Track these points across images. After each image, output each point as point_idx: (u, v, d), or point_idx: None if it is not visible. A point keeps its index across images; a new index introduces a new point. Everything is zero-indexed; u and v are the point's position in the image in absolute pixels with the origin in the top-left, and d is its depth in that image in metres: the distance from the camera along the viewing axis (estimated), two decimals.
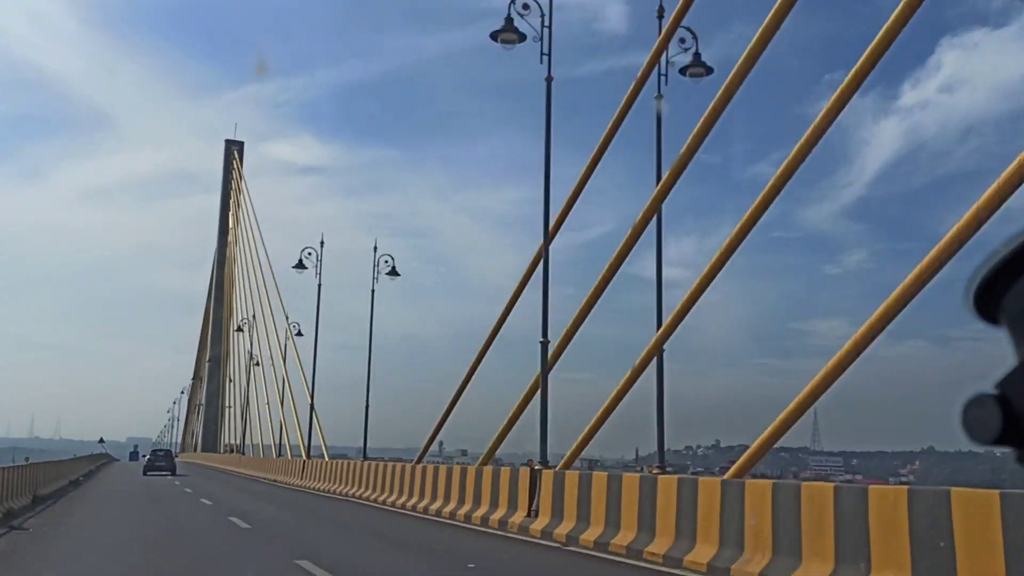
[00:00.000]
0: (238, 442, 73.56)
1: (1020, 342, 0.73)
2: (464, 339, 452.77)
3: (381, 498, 20.56)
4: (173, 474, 41.95)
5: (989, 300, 0.75)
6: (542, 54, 16.38)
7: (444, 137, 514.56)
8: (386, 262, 27.99)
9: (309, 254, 33.96)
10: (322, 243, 35.93)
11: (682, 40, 16.02)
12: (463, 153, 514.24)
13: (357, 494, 23.64)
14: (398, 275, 27.99)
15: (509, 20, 16.02)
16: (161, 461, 44.19)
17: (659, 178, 15.64)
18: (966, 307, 0.75)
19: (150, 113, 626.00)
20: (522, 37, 16.10)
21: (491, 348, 20.04)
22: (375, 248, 29.04)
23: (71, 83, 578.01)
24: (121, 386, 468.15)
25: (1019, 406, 0.71)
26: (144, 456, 50.63)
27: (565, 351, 16.77)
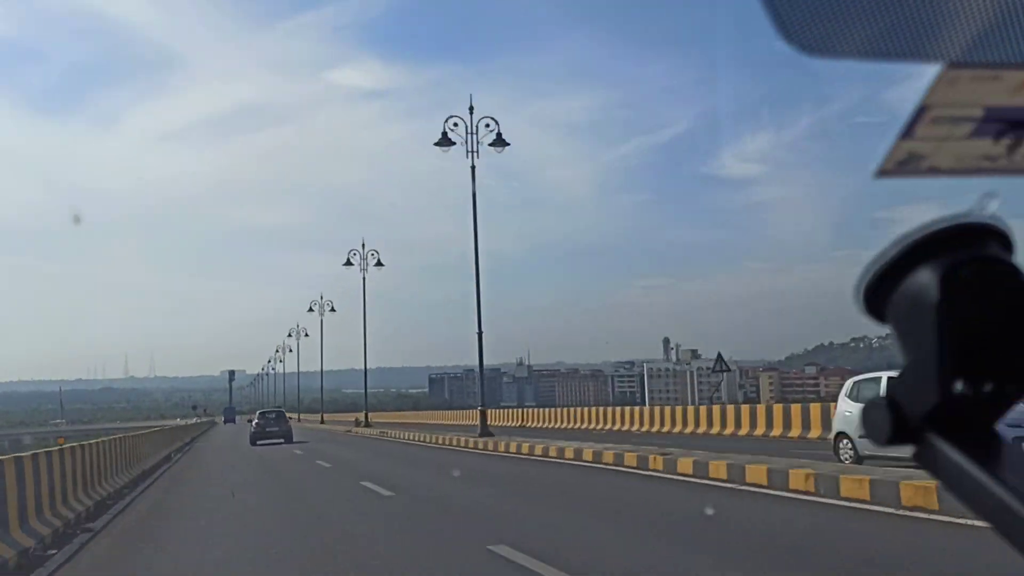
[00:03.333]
0: None
1: (905, 344, 0.76)
2: (540, 252, 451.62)
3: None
4: (288, 441, 34.71)
5: (878, 300, 0.78)
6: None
7: (510, 46, 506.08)
8: (488, 127, 27.29)
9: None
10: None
11: None
12: (530, 62, 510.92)
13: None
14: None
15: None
16: (273, 425, 36.40)
17: None
18: (855, 305, 0.79)
19: (213, 48, 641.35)
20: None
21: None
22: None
23: (134, 26, 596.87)
24: (211, 323, 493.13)
25: (906, 407, 0.75)
26: (252, 421, 40.50)
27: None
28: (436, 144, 27.17)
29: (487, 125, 27.43)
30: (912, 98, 0.81)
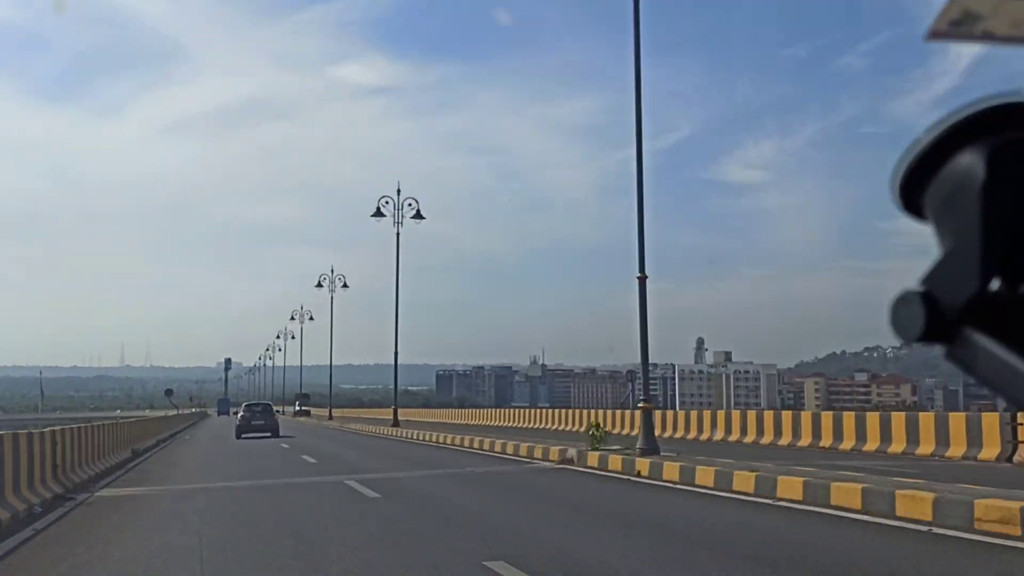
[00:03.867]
0: None
1: (943, 235, 0.74)
2: (539, 254, 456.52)
3: None
4: (275, 435, 34.63)
5: (914, 191, 0.75)
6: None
7: (516, 48, 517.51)
8: (410, 205, 39.00)
9: (387, 202, 38.99)
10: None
11: None
12: (535, 63, 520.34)
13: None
14: (423, 218, 38.97)
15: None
16: (259, 419, 36.38)
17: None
18: (892, 200, 0.76)
19: (220, 40, 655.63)
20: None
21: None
22: (399, 191, 40.15)
23: (141, 15, 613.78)
24: (209, 314, 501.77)
25: (943, 301, 0.72)
26: (237, 414, 41.37)
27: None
28: (372, 216, 38.47)
29: (409, 204, 38.66)
30: (918, 112, 0.63)
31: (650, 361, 16.34)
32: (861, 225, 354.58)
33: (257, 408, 37.95)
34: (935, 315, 0.73)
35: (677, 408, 72.61)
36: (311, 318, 74.35)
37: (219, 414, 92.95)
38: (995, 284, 0.72)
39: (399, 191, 38.63)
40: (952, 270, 0.72)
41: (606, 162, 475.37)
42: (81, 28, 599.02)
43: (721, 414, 27.04)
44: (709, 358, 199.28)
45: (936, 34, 0.78)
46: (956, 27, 0.77)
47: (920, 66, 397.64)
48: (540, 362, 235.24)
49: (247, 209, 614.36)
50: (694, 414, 27.30)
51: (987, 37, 0.77)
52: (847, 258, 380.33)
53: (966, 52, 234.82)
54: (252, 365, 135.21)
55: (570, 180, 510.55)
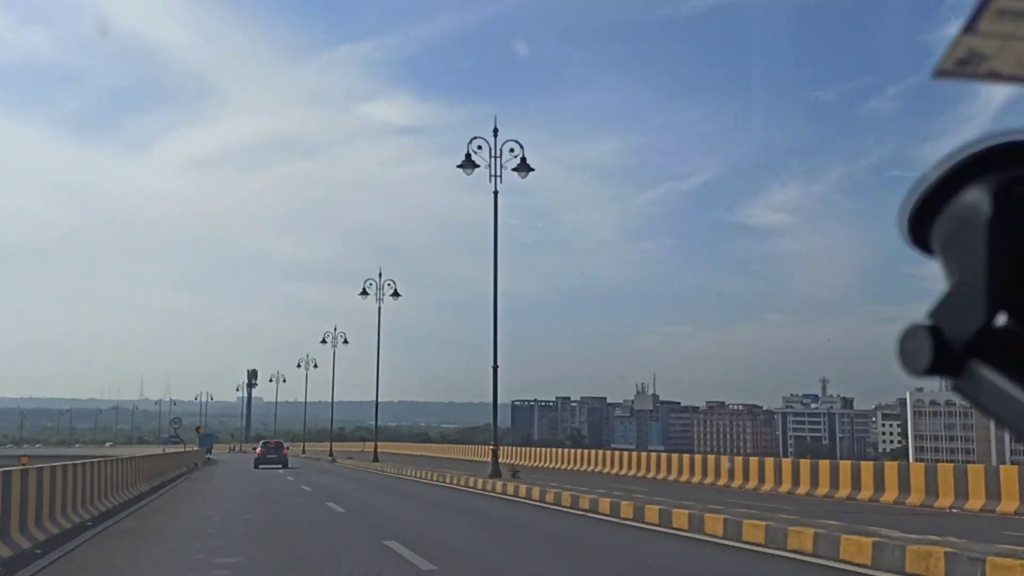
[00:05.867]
0: None
1: (950, 269, 0.78)
2: (563, 295, 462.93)
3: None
4: (284, 467, 46.14)
5: (922, 226, 0.80)
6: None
7: (542, 89, 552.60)
8: (512, 151, 28.57)
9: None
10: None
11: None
12: (563, 105, 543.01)
13: None
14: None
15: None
16: (272, 453, 49.09)
17: None
18: (900, 235, 0.81)
19: (250, 79, 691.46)
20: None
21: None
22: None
23: (173, 52, 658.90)
24: (230, 349, 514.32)
25: (950, 335, 0.77)
26: (255, 449, 53.72)
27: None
28: (459, 166, 28.50)
29: (511, 150, 28.71)
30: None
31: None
32: (888, 270, 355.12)
33: (271, 445, 50.95)
34: (941, 348, 0.78)
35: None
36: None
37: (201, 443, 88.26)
38: (1003, 318, 0.77)
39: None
40: (958, 304, 0.77)
41: (628, 204, 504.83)
42: (115, 65, 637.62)
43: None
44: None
45: (942, 73, 0.82)
46: (962, 66, 0.82)
47: (950, 109, 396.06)
48: (650, 391, 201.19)
49: (272, 245, 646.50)
50: None
51: (993, 76, 0.81)
52: (873, 303, 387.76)
53: (997, 95, 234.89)
54: (271, 401, 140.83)
55: (593, 221, 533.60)
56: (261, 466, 46.79)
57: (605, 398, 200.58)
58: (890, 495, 20.27)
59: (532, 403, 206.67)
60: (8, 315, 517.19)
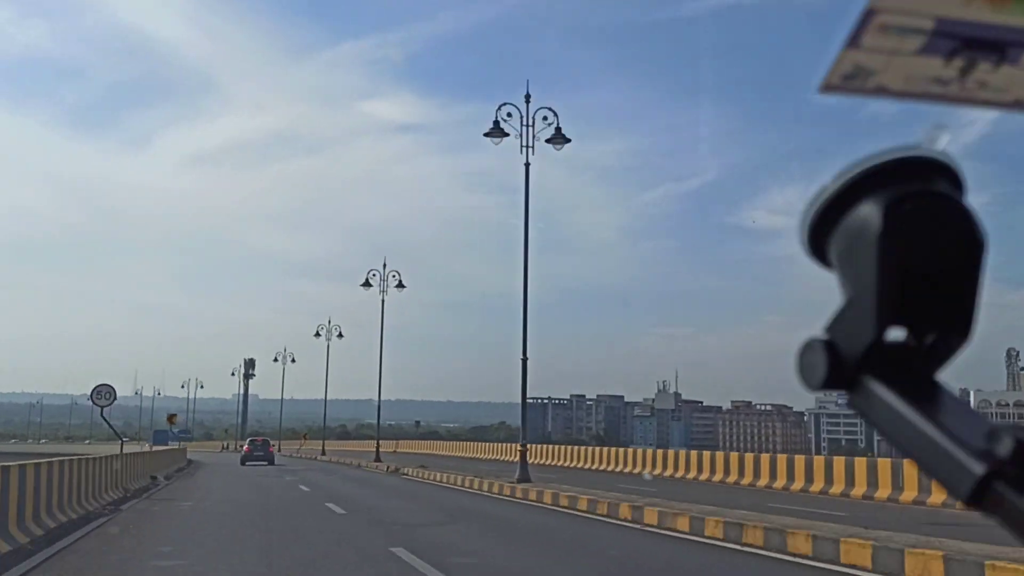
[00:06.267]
0: None
1: (845, 283, 0.79)
2: (565, 295, 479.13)
3: None
4: (270, 464, 48.23)
5: (820, 239, 0.81)
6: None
7: (544, 89, 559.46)
8: (545, 119, 26.59)
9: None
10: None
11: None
12: (564, 104, 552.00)
13: None
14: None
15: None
16: (259, 451, 51.02)
17: None
18: (801, 246, 0.83)
19: (251, 75, 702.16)
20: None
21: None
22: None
23: (175, 48, 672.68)
24: (228, 346, 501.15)
25: (843, 350, 0.77)
26: (242, 447, 56.42)
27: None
28: (487, 135, 26.62)
29: (544, 118, 26.51)
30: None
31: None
32: None
33: (258, 443, 53.35)
34: (836, 363, 0.77)
35: None
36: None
37: (156, 440, 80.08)
38: (901, 332, 0.77)
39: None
40: (851, 319, 0.77)
41: (631, 204, 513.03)
42: (116, 60, 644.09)
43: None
44: None
45: (829, 87, 0.81)
46: (849, 81, 0.81)
47: (948, 113, 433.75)
48: (672, 390, 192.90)
49: (272, 242, 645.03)
50: None
51: (881, 91, 0.81)
52: None
53: None
54: (266, 398, 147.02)
55: (595, 222, 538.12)
56: (248, 463, 48.83)
57: (623, 396, 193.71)
58: (937, 497, 19.99)
59: (546, 401, 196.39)
60: (5, 310, 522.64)
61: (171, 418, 56.48)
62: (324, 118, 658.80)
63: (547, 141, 26.35)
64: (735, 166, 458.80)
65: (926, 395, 0.76)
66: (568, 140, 26.37)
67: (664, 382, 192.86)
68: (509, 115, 26.20)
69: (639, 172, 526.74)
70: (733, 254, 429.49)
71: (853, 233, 0.77)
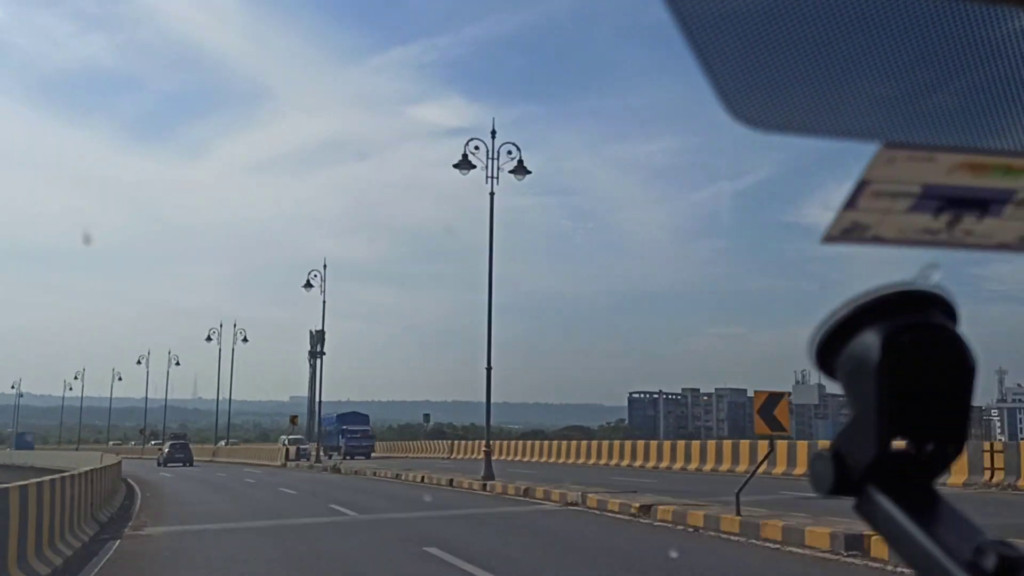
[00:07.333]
0: None
1: (851, 401, 0.88)
2: (614, 296, 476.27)
3: None
4: (189, 465, 52.67)
5: (829, 357, 0.90)
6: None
7: (592, 90, 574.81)
8: (509, 153, 29.86)
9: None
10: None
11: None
12: (614, 104, 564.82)
13: None
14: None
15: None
16: (179, 452, 55.95)
17: None
18: (809, 361, 0.91)
19: (303, 83, 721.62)
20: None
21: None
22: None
23: (228, 58, 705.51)
24: (281, 351, 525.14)
25: (849, 460, 0.88)
26: (161, 448, 61.45)
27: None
28: (455, 166, 29.27)
29: (509, 152, 29.72)
30: None
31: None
32: (955, 271, 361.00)
33: (178, 445, 57.39)
34: (842, 473, 0.88)
35: None
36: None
37: (18, 446, 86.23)
38: (902, 443, 0.87)
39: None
40: (856, 435, 0.87)
41: (680, 204, 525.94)
42: (171, 71, 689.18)
43: None
44: None
45: (830, 239, 0.93)
46: (848, 234, 0.93)
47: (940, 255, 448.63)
48: (816, 381, 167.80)
49: (322, 247, 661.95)
50: None
51: (877, 240, 0.93)
52: None
53: None
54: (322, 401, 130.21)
55: (645, 221, 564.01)
56: (169, 464, 52.94)
57: (745, 390, 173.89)
58: None
59: (655, 395, 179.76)
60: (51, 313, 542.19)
61: (293, 419, 64.67)
62: (372, 123, 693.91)
63: (510, 172, 29.42)
64: (789, 161, 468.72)
65: (924, 505, 0.86)
66: (528, 172, 29.61)
67: (804, 371, 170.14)
68: (476, 148, 29.17)
69: (690, 171, 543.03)
70: (788, 252, 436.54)
71: (856, 359, 0.87)
